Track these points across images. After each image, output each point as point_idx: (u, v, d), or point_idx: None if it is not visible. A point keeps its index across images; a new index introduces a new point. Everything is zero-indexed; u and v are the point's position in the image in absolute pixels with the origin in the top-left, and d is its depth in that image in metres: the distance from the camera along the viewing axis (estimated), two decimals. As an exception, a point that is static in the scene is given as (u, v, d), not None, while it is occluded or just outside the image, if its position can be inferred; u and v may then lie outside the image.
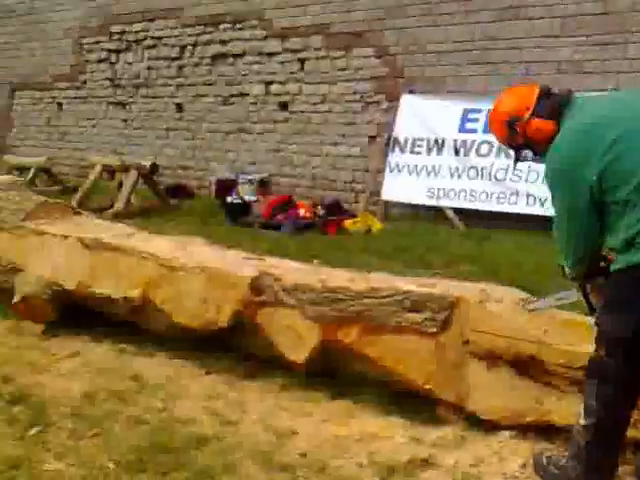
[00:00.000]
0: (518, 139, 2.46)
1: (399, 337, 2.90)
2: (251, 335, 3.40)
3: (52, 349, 3.71)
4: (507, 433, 2.73)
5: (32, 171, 9.57)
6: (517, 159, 2.57)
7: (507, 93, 2.57)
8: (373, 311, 2.94)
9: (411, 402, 2.96)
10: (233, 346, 3.53)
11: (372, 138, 7.82)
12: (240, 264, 3.56)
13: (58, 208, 4.58)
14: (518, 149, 2.52)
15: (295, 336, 3.14)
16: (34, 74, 11.53)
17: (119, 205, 7.68)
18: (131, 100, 10.18)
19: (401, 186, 7.31)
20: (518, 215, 6.55)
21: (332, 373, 3.21)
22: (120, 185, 8.13)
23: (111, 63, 10.35)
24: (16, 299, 3.99)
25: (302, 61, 8.29)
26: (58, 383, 3.28)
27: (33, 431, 2.80)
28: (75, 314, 3.98)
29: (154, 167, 8.17)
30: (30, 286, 3.98)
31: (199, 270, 3.51)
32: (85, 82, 10.78)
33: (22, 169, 9.71)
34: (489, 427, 2.76)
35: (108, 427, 2.83)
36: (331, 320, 3.04)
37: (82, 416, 2.93)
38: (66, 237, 4.05)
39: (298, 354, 3.12)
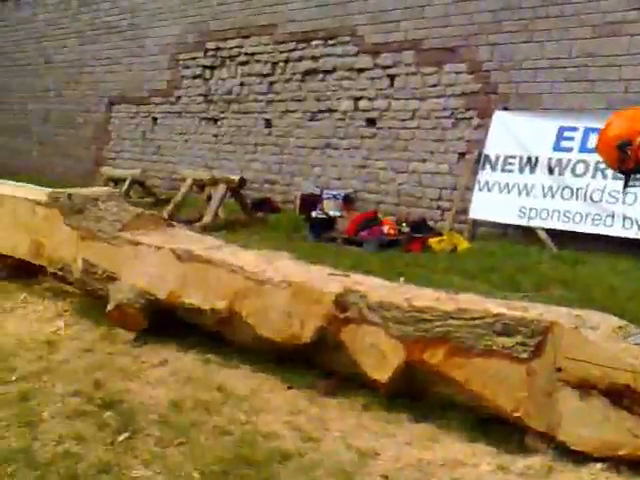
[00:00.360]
0: (629, 163, 2.37)
1: (488, 361, 2.82)
2: (334, 352, 3.38)
3: (142, 357, 3.81)
4: (599, 465, 2.59)
5: (127, 183, 9.95)
6: (627, 184, 2.47)
7: (617, 116, 2.48)
8: (461, 333, 2.87)
9: (498, 429, 2.87)
10: (316, 362, 3.52)
11: (462, 155, 7.70)
12: (325, 280, 3.57)
13: (152, 220, 4.74)
14: (629, 173, 2.42)
15: (379, 355, 3.10)
16: (131, 89, 12.00)
17: (207, 218, 7.86)
18: (222, 116, 10.44)
19: (490, 205, 7.15)
20: (614, 238, 6.28)
21: (415, 394, 3.15)
22: (209, 198, 8.32)
23: (205, 79, 10.64)
24: (110, 307, 4.14)
25: (392, 77, 8.27)
26: (147, 390, 3.36)
27: (122, 437, 2.88)
28: (164, 323, 4.08)
29: (242, 181, 8.33)
30: (124, 294, 4.11)
31: (285, 284, 3.54)
32: (180, 97, 11.13)
33: (118, 181, 10.13)
34: (580, 458, 2.64)
35: (194, 436, 2.88)
36: (416, 340, 2.98)
37: (169, 424, 2.99)
38: (159, 248, 4.17)
39: (381, 373, 3.08)
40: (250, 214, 8.36)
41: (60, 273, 4.80)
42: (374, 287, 3.41)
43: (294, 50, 9.31)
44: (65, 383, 3.42)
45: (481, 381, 2.85)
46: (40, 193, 5.13)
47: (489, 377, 2.83)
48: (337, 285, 3.42)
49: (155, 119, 11.68)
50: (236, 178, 8.30)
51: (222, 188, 8.04)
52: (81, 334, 4.18)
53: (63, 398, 3.26)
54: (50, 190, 4.99)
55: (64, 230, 4.68)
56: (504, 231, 7.22)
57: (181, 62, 11.02)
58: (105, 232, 4.46)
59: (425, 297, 3.15)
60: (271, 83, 9.67)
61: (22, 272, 5.23)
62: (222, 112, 10.43)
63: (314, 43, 9.06)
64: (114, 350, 3.91)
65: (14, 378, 3.49)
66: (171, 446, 2.81)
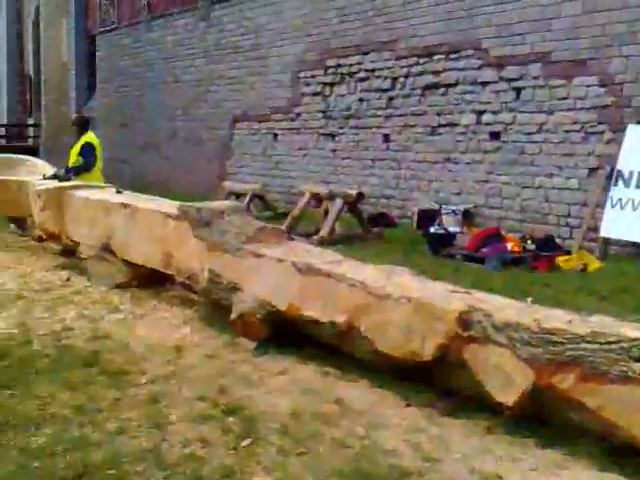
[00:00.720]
0: None
1: (623, 388, 2.65)
2: (455, 371, 3.31)
3: (263, 365, 3.89)
4: None
5: (248, 197, 10.27)
6: None
7: None
8: (594, 357, 2.72)
9: (632, 459, 2.69)
10: (435, 380, 3.45)
11: (592, 170, 7.35)
12: (447, 297, 3.51)
13: (274, 233, 4.86)
14: None
15: (504, 377, 3.00)
16: (254, 106, 12.40)
17: (324, 232, 7.95)
18: (341, 131, 10.57)
19: (624, 223, 6.76)
20: None
21: (542, 419, 3.02)
22: (326, 212, 8.42)
23: (325, 96, 10.83)
24: (233, 316, 4.28)
25: (518, 90, 8.06)
26: (268, 399, 3.42)
27: (245, 443, 2.95)
28: (285, 334, 4.15)
29: (360, 196, 8.37)
30: (246, 304, 4.24)
31: (405, 300, 3.51)
32: (299, 114, 11.38)
33: (239, 195, 10.48)
34: None
35: (313, 447, 2.90)
36: (545, 363, 2.85)
37: (289, 433, 3.03)
38: (281, 260, 4.27)
39: (507, 396, 2.97)
40: (367, 228, 8.37)
41: (187, 282, 5.04)
42: (499, 306, 3.31)
43: (415, 65, 9.28)
44: (191, 387, 3.56)
45: (615, 409, 2.69)
46: (171, 206, 5.42)
47: (624, 405, 2.66)
48: (459, 302, 3.35)
49: (275, 135, 11.99)
50: (353, 192, 8.35)
51: (339, 202, 8.11)
52: (206, 341, 4.34)
53: (189, 402, 3.38)
54: (180, 204, 5.23)
55: (192, 242, 4.89)
56: (638, 251, 6.81)
57: (302, 80, 11.27)
58: (230, 244, 4.62)
59: (556, 318, 3.02)
60: (390, 98, 9.69)
61: (153, 281, 5.51)
62: (340, 128, 10.56)
63: (436, 57, 9.00)
64: (237, 358, 4.02)
65: (144, 381, 3.67)
66: (291, 455, 2.84)
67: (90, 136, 7.94)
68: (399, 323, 3.49)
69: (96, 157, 7.83)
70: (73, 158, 7.81)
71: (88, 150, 7.68)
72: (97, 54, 18.01)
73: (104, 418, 3.20)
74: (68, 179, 7.21)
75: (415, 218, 8.78)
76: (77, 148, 7.75)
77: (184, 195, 10.46)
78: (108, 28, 17.15)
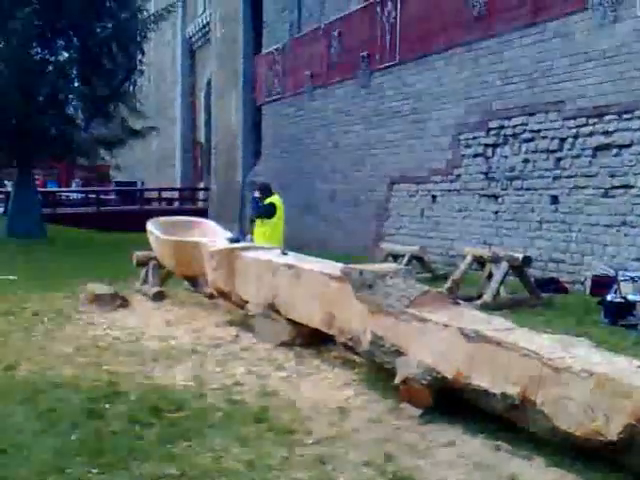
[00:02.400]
0: None
1: None
2: (648, 456, 3.01)
3: (429, 435, 3.76)
4: None
5: (406, 258, 10.22)
6: None
7: None
8: None
9: None
10: (624, 463, 3.15)
11: None
12: (633, 372, 3.25)
13: (438, 297, 4.77)
14: None
15: None
16: (412, 169, 12.51)
17: (488, 296, 7.67)
18: (504, 192, 10.33)
19: None
20: None
21: None
22: (490, 276, 8.15)
23: (486, 157, 10.69)
24: (397, 381, 4.20)
25: (699, 149, 7.50)
26: (436, 471, 3.30)
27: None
28: (450, 402, 4.01)
29: (527, 259, 8.02)
30: (410, 370, 4.15)
31: (586, 374, 3.28)
32: (459, 175, 11.30)
33: (397, 256, 10.47)
34: None
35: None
36: None
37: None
38: (446, 326, 4.16)
39: None
40: (534, 294, 7.98)
41: (349, 343, 5.05)
42: (696, 386, 2.99)
43: (584, 125, 8.98)
44: (357, 452, 3.52)
45: None
46: (334, 268, 5.50)
47: None
48: (648, 380, 3.07)
49: (434, 197, 11.97)
50: (520, 256, 8.02)
51: (504, 266, 7.82)
52: (369, 404, 4.29)
53: (356, 467, 3.34)
54: (342, 265, 5.31)
55: (354, 303, 4.91)
56: None
57: (462, 141, 11.22)
58: (393, 307, 4.58)
59: None
60: (558, 159, 9.38)
61: (315, 340, 5.59)
62: (504, 189, 10.33)
63: (607, 118, 8.66)
64: (402, 424, 3.93)
65: (311, 441, 3.69)
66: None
67: (274, 198, 8.82)
68: (579, 399, 3.25)
69: (275, 214, 8.70)
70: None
71: (269, 206, 8.70)
72: (263, 122, 19.14)
73: (274, 476, 3.24)
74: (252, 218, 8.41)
75: (588, 284, 8.28)
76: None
77: (341, 255, 10.60)
78: (273, 98, 18.21)
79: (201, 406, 4.22)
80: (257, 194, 9.04)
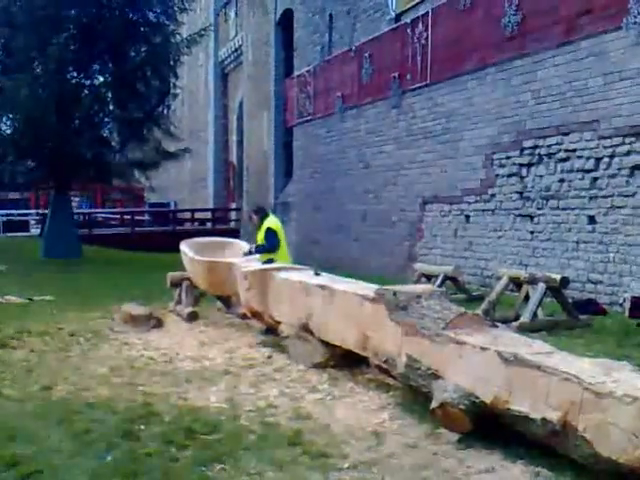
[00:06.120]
0: None
1: None
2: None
3: (467, 461, 3.68)
4: None
5: (440, 279, 10.11)
6: None
7: None
8: None
9: None
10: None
11: None
12: (678, 398, 3.13)
13: (475, 319, 4.70)
14: None
15: None
16: (444, 188, 12.42)
17: (525, 318, 7.54)
18: (539, 212, 10.19)
19: None
20: None
21: None
22: (526, 297, 8.01)
23: (521, 177, 10.57)
24: (434, 405, 4.12)
25: None
26: (477, 499, 3.22)
27: None
28: (489, 427, 3.92)
29: (564, 280, 7.87)
30: (448, 394, 4.07)
31: (629, 399, 3.19)
32: (493, 195, 11.18)
33: (430, 277, 10.37)
34: None
35: None
36: None
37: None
38: (484, 349, 4.09)
39: None
40: (572, 316, 7.81)
41: (384, 366, 4.98)
42: None
43: (621, 145, 8.81)
44: (393, 477, 3.47)
45: None
46: (367, 289, 5.47)
47: None
48: (697, 406, 2.97)
49: (467, 217, 11.86)
50: (557, 277, 7.88)
51: (541, 287, 7.68)
52: (405, 429, 4.23)
53: (392, 493, 3.28)
54: (377, 287, 5.27)
55: (389, 325, 4.87)
56: None
57: (496, 161, 11.13)
58: (428, 329, 4.53)
59: None
60: (594, 179, 9.22)
61: (349, 362, 5.54)
62: (539, 209, 10.19)
63: (643, 137, 8.49)
64: (439, 450, 3.85)
65: (347, 465, 3.64)
66: None
67: (271, 221, 8.43)
68: (623, 425, 3.16)
69: (279, 240, 8.30)
70: (260, 241, 8.34)
71: (270, 235, 8.21)
72: (294, 143, 19.27)
73: (310, 503, 3.19)
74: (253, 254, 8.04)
75: (627, 306, 8.07)
76: (262, 233, 8.29)
77: (373, 276, 10.59)
78: (304, 119, 18.33)
79: (235, 428, 4.20)
80: (253, 217, 8.76)
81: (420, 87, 13.14)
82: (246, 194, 24.18)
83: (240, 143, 26.82)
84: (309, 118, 18.02)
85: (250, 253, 8.08)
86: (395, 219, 14.05)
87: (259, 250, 8.10)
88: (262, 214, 8.59)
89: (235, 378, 5.43)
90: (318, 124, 17.50)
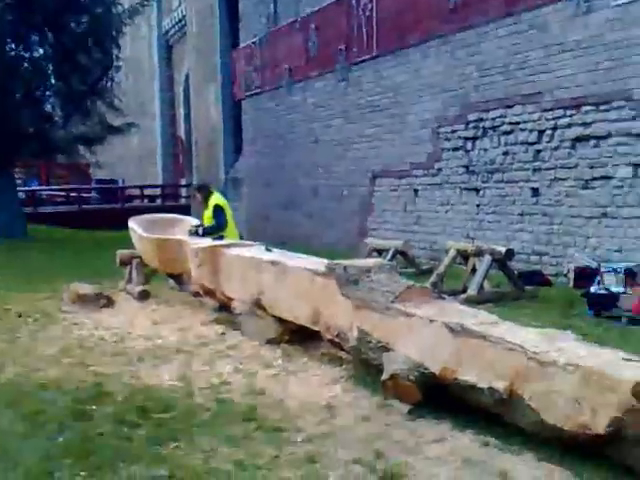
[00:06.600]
0: None
1: None
2: (634, 448, 3.03)
3: (418, 431, 3.77)
4: None
5: (390, 253, 10.23)
6: None
7: None
8: None
9: None
10: (612, 456, 3.18)
11: None
12: (619, 365, 3.26)
13: (423, 292, 4.79)
14: None
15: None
16: (393, 163, 12.49)
17: (472, 290, 7.72)
18: (485, 185, 10.38)
19: None
20: None
21: None
22: (473, 270, 8.18)
23: (466, 150, 10.72)
24: (385, 377, 4.20)
25: (677, 141, 7.58)
26: (426, 468, 3.30)
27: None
28: (439, 398, 4.02)
29: (510, 252, 8.07)
30: (397, 365, 4.15)
31: (572, 368, 3.30)
32: (440, 169, 11.31)
33: (380, 251, 10.48)
34: None
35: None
36: None
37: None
38: (432, 321, 4.17)
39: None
40: (518, 287, 8.03)
41: (336, 340, 5.04)
42: (680, 377, 3.02)
43: (562, 117, 9.01)
44: (346, 449, 3.52)
45: None
46: (319, 264, 5.50)
47: None
48: (634, 372, 3.10)
49: (416, 191, 11.98)
50: (503, 249, 8.07)
51: (487, 259, 7.87)
52: (358, 401, 4.30)
53: (346, 465, 3.34)
54: (327, 261, 5.30)
55: (340, 299, 4.91)
56: None
57: (442, 135, 11.24)
58: (378, 303, 4.59)
59: None
60: (538, 151, 9.42)
61: (302, 337, 5.59)
62: (484, 182, 10.37)
63: (584, 109, 8.69)
64: (391, 421, 3.93)
65: (300, 439, 3.69)
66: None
67: (217, 198, 8.39)
68: (566, 393, 3.27)
69: (226, 217, 8.27)
70: (207, 221, 8.28)
71: (219, 213, 8.17)
72: (243, 117, 19.03)
73: (264, 476, 3.24)
74: (202, 236, 7.84)
75: (572, 276, 8.32)
76: (209, 211, 8.23)
77: (325, 251, 10.65)
78: (252, 93, 18.12)
79: (188, 406, 4.21)
80: (197, 195, 8.70)
81: (366, 60, 13.11)
82: (196, 170, 23.85)
83: (188, 117, 26.33)
84: (257, 91, 17.82)
85: (196, 233, 7.97)
86: (346, 194, 14.09)
87: (209, 230, 8.02)
88: (206, 192, 8.52)
89: (188, 356, 5.42)
90: (267, 97, 17.33)
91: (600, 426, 3.10)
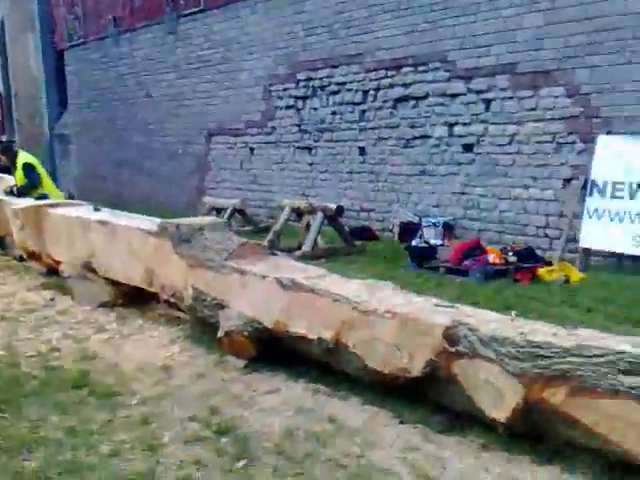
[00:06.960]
0: None
1: (614, 402, 2.68)
2: (446, 386, 3.32)
3: (253, 384, 3.89)
4: None
5: (228, 212, 10.25)
6: None
7: None
8: (582, 371, 2.75)
9: (630, 476, 2.71)
10: (427, 396, 3.47)
11: (567, 181, 7.47)
12: (432, 311, 3.52)
13: (256, 249, 4.84)
14: None
15: (495, 392, 3.01)
16: (229, 120, 12.34)
17: (306, 247, 7.95)
18: (316, 144, 10.59)
19: (602, 233, 6.85)
20: None
21: (538, 435, 3.03)
22: (307, 227, 8.41)
23: (298, 109, 10.85)
24: (220, 334, 4.27)
25: (487, 102, 8.17)
26: (260, 418, 3.43)
27: (240, 464, 2.96)
28: (273, 351, 4.15)
29: (340, 209, 8.39)
30: (232, 322, 4.22)
31: (390, 315, 3.51)
32: (274, 128, 11.37)
33: (219, 210, 10.46)
34: None
35: (309, 468, 2.92)
36: (535, 378, 2.88)
37: (284, 454, 3.05)
38: (264, 277, 4.25)
39: (499, 412, 2.99)
40: (348, 242, 8.38)
41: (172, 300, 5.00)
42: (485, 320, 3.32)
43: (384, 78, 9.33)
44: (182, 408, 3.56)
45: (607, 424, 2.70)
46: (151, 223, 5.38)
47: (616, 420, 2.68)
48: (445, 317, 3.36)
49: (252, 149, 11.97)
50: (333, 206, 8.37)
51: (320, 216, 8.12)
52: (195, 360, 4.34)
53: (182, 423, 3.39)
54: (160, 220, 5.21)
55: (174, 259, 4.86)
56: (619, 261, 6.91)
57: (274, 93, 11.26)
58: (212, 261, 4.60)
59: (541, 332, 3.05)
60: (363, 111, 9.74)
61: (138, 299, 5.48)
62: (316, 141, 10.59)
63: (404, 70, 9.05)
64: (227, 377, 4.02)
65: (135, 402, 3.67)
66: (288, 476, 2.86)
67: (25, 157, 8.08)
68: (386, 339, 3.48)
69: (39, 174, 8.00)
70: (20, 181, 7.87)
71: (29, 171, 7.91)
72: (66, 69, 17.81)
73: (97, 441, 3.20)
74: (18, 196, 7.54)
75: (396, 231, 8.80)
76: (19, 171, 7.86)
77: (165, 211, 10.43)
78: (75, 43, 16.99)
79: (14, 375, 4.03)
80: (1, 157, 8.29)
81: (195, 12, 12.74)
82: (17, 125, 22.04)
83: (5, 67, 24.16)
84: (80, 41, 16.71)
85: (12, 193, 7.61)
86: (181, 152, 13.76)
87: (22, 190, 7.62)
88: (11, 153, 8.08)
89: (13, 323, 5.15)
90: (91, 48, 16.31)
91: (416, 369, 3.34)
